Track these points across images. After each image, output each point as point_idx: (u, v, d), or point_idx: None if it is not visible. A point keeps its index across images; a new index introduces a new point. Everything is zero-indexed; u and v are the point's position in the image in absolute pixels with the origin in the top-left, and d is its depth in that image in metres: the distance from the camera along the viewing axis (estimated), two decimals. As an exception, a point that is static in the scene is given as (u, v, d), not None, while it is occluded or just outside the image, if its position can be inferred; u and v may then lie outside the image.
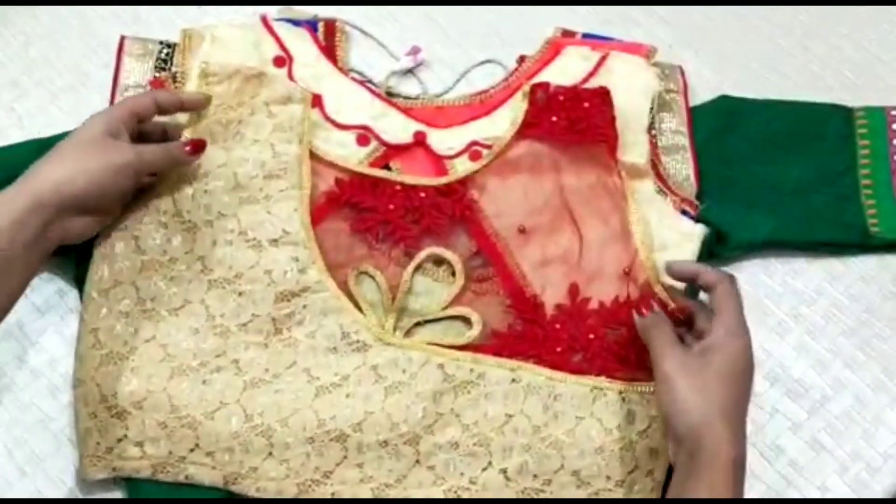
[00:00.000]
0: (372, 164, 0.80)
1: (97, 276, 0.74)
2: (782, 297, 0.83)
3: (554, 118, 0.79)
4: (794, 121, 0.88)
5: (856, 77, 0.95)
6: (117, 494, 0.73)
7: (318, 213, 0.77)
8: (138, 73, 0.85)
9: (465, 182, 0.79)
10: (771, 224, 0.83)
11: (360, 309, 0.75)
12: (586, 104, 0.80)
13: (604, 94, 0.80)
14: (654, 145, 0.83)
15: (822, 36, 0.97)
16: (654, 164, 0.82)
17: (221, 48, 0.82)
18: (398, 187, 0.79)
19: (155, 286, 0.74)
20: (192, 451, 0.71)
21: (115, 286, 0.73)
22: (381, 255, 0.77)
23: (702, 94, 0.90)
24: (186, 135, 0.76)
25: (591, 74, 0.84)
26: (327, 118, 0.82)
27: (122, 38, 0.86)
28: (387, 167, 0.81)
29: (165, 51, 0.86)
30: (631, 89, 0.83)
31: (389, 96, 0.87)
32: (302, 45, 0.85)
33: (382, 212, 0.78)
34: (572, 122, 0.79)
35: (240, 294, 0.74)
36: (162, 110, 0.75)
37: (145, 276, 0.74)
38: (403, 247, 0.77)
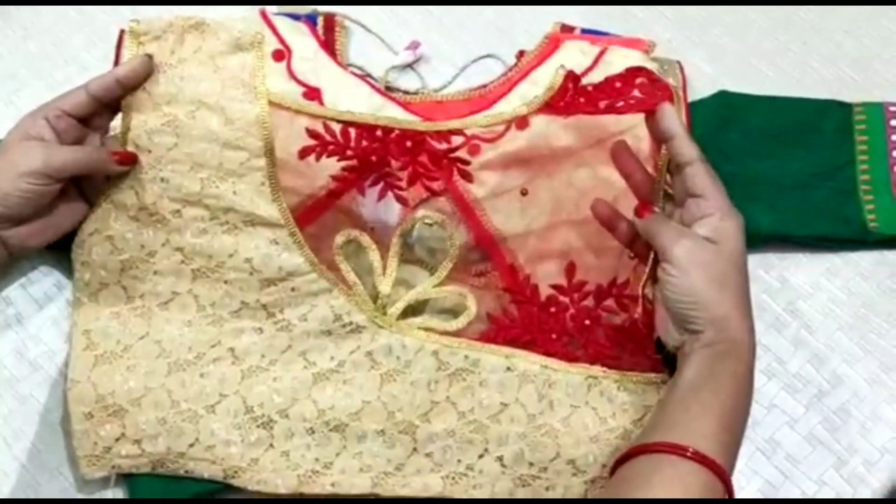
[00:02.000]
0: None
1: (82, 281, 0.74)
2: (780, 291, 0.83)
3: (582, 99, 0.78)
4: (792, 116, 0.88)
5: (854, 73, 0.95)
6: (117, 492, 0.73)
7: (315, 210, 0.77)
8: (137, 66, 0.84)
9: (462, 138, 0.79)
10: (769, 219, 0.83)
11: (349, 287, 0.75)
12: (618, 83, 0.77)
13: (635, 73, 0.77)
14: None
15: (821, 32, 0.97)
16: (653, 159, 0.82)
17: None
18: (378, 132, 0.77)
19: (141, 283, 0.74)
20: (191, 446, 0.71)
21: (102, 289, 0.73)
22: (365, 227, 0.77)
23: (700, 89, 0.90)
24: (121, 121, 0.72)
25: (590, 69, 0.84)
26: None
27: (122, 32, 0.86)
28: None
29: (165, 44, 0.85)
30: None
31: (388, 91, 0.87)
32: (301, 39, 0.85)
33: (364, 160, 0.77)
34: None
35: (225, 282, 0.74)
36: (101, 100, 0.71)
37: (130, 274, 0.73)
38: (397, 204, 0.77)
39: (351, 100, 0.82)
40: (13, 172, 0.66)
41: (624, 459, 0.63)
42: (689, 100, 0.87)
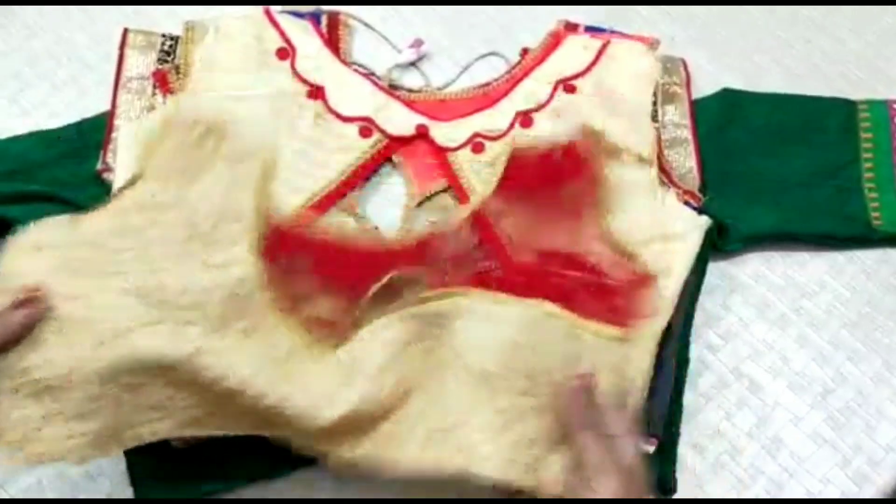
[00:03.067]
0: (375, 157, 0.80)
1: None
2: (784, 290, 0.83)
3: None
4: (796, 114, 0.88)
5: (858, 70, 0.95)
6: (118, 492, 0.73)
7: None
8: (141, 65, 0.84)
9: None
10: (773, 217, 0.83)
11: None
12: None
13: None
14: (657, 138, 0.83)
15: (824, 29, 0.97)
16: (658, 156, 0.82)
17: (224, 40, 0.82)
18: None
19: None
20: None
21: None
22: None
23: (704, 87, 0.90)
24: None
25: (593, 63, 0.84)
26: (329, 109, 0.82)
27: (126, 31, 0.86)
28: (389, 160, 0.81)
29: (168, 43, 0.86)
30: (633, 76, 0.84)
31: (392, 89, 0.87)
32: (304, 37, 0.85)
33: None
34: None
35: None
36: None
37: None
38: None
39: (354, 98, 0.82)
40: None
41: None
42: (693, 97, 0.87)
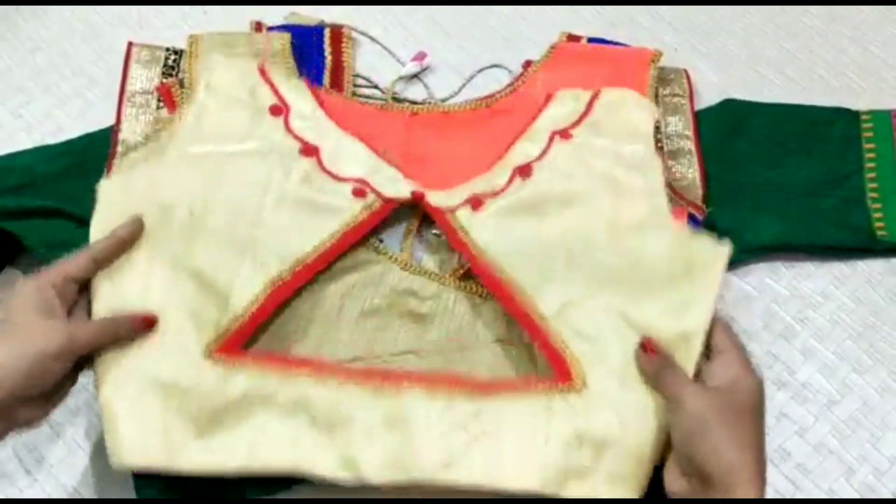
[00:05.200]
0: (369, 218, 0.77)
1: None
2: (789, 300, 0.83)
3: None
4: (799, 124, 0.88)
5: (861, 80, 0.95)
6: (119, 492, 0.73)
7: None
8: (145, 79, 0.85)
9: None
10: (777, 227, 0.83)
11: None
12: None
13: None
14: (660, 149, 0.83)
15: (827, 39, 0.98)
16: (658, 139, 0.82)
17: (217, 95, 0.80)
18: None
19: None
20: None
21: None
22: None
23: (707, 97, 0.90)
24: None
25: (585, 114, 0.82)
26: (323, 168, 0.78)
27: (130, 45, 0.86)
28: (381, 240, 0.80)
29: (172, 57, 0.86)
30: (630, 117, 0.82)
31: (395, 101, 0.87)
32: (299, 97, 0.82)
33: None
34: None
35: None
36: (102, 264, 0.69)
37: None
38: None
39: (350, 162, 0.80)
40: (32, 350, 0.61)
41: None
42: (696, 108, 0.87)
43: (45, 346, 0.62)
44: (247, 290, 0.72)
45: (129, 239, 0.70)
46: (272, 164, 0.77)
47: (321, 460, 0.66)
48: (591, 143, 0.80)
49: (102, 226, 0.71)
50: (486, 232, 0.76)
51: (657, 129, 0.84)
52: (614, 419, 0.67)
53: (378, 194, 0.78)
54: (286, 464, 0.66)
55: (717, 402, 0.63)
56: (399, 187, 0.79)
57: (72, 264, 0.67)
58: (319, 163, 0.79)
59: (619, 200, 0.76)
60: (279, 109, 0.81)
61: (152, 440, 0.65)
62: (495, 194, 0.78)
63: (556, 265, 0.74)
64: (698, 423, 0.63)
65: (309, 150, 0.79)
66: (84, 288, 0.69)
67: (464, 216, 0.77)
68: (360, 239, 0.77)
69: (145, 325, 0.68)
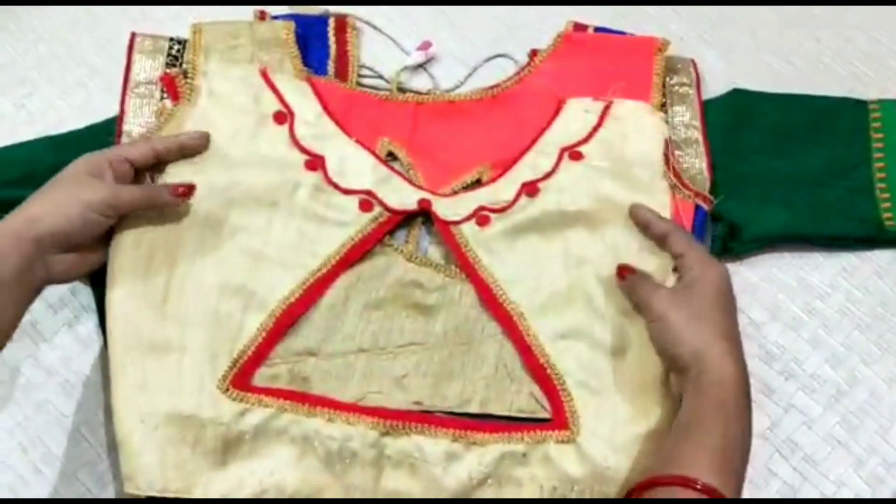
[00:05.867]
0: (375, 231, 0.77)
1: None
2: (796, 291, 0.82)
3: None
4: (807, 114, 0.88)
5: (868, 69, 0.94)
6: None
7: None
8: (149, 69, 0.84)
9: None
10: (783, 218, 0.82)
11: None
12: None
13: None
14: (667, 140, 0.82)
15: (834, 28, 0.97)
16: (668, 158, 0.81)
17: (219, 102, 0.81)
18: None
19: None
20: None
21: None
22: None
23: (714, 87, 0.89)
24: None
25: (598, 127, 0.82)
26: (329, 181, 0.79)
27: (133, 35, 0.86)
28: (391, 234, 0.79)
29: (176, 47, 0.85)
30: (641, 135, 0.82)
31: (400, 91, 0.87)
32: (303, 101, 0.82)
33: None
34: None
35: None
36: (162, 158, 0.76)
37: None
38: None
39: (356, 173, 0.80)
40: (81, 199, 0.68)
41: (630, 494, 0.64)
42: (703, 98, 0.87)
43: (91, 197, 0.69)
44: (255, 319, 0.74)
45: (191, 145, 0.77)
46: (278, 182, 0.78)
47: (328, 490, 0.70)
48: (600, 165, 0.80)
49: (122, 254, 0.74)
50: (490, 253, 0.77)
51: (665, 120, 0.84)
52: (607, 462, 0.70)
53: (385, 206, 0.78)
54: (294, 492, 0.69)
55: (679, 299, 0.70)
56: (405, 197, 0.79)
57: (132, 148, 0.74)
58: (325, 176, 0.79)
59: (623, 223, 0.78)
60: (283, 117, 0.81)
61: (170, 472, 0.68)
62: (501, 210, 0.78)
63: (558, 290, 0.76)
64: (663, 320, 0.69)
65: (314, 164, 0.79)
66: (138, 175, 0.75)
67: (469, 232, 0.78)
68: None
69: (184, 192, 0.74)
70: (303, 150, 0.80)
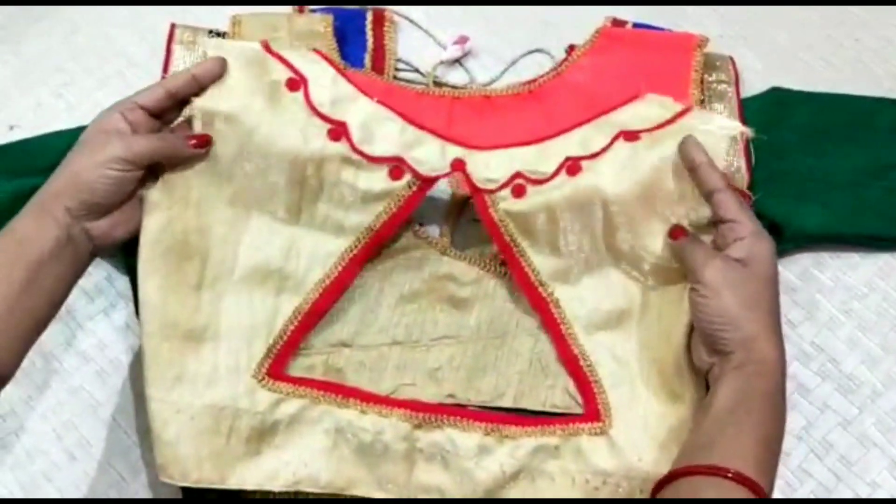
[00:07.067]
0: (408, 201, 0.74)
1: None
2: (834, 291, 0.82)
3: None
4: (844, 113, 0.87)
5: (907, 70, 0.94)
6: (124, 491, 0.73)
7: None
8: (188, 60, 0.84)
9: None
10: (820, 217, 0.81)
11: None
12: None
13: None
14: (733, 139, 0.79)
15: (873, 28, 0.96)
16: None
17: (224, 85, 0.73)
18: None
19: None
20: None
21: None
22: None
23: (752, 85, 0.89)
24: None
25: (667, 124, 0.75)
26: (355, 149, 0.73)
27: (173, 26, 0.86)
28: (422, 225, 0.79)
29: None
30: (706, 136, 0.73)
31: (437, 86, 0.87)
32: (314, 67, 0.75)
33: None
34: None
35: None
36: (176, 96, 0.72)
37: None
38: None
39: (382, 138, 0.75)
40: (95, 161, 0.68)
41: (665, 482, 0.63)
42: (742, 96, 0.86)
43: (103, 157, 0.67)
44: (290, 302, 0.73)
45: (203, 75, 0.73)
46: (304, 157, 0.73)
47: (361, 483, 0.70)
48: (651, 149, 0.73)
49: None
50: (527, 235, 0.75)
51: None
52: (639, 454, 0.70)
53: (416, 173, 0.74)
54: (327, 484, 0.69)
55: (735, 276, 0.67)
56: (437, 160, 0.75)
57: (144, 94, 0.72)
58: (351, 145, 0.73)
59: (660, 205, 0.73)
60: (296, 83, 0.74)
61: (205, 462, 0.68)
62: (538, 182, 0.74)
63: (593, 279, 0.75)
64: (715, 297, 0.66)
65: (338, 133, 0.73)
66: (159, 118, 0.73)
67: (505, 207, 0.74)
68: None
69: (200, 141, 0.72)
70: (323, 118, 0.73)
